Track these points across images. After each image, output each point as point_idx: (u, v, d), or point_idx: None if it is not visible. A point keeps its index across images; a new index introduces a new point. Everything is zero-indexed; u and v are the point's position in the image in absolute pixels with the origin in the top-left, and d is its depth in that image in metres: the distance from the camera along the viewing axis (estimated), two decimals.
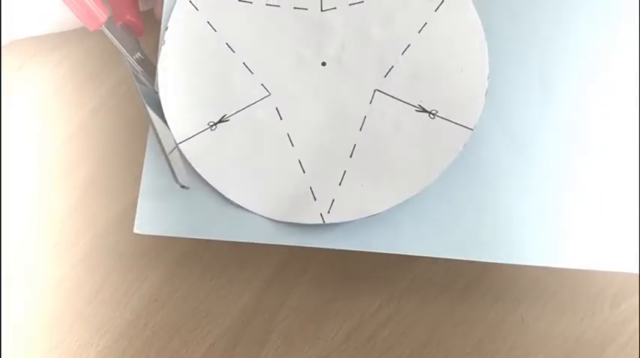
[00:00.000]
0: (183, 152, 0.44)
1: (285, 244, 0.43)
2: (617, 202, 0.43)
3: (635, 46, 0.44)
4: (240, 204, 0.43)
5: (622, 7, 0.44)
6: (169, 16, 0.45)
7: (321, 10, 0.44)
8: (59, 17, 0.49)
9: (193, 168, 0.44)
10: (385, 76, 0.43)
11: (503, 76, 0.44)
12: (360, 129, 0.43)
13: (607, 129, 0.43)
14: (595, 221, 0.43)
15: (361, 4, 0.44)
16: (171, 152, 0.43)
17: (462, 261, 0.43)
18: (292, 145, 0.43)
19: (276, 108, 0.44)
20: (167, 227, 0.44)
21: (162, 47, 0.45)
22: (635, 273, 0.43)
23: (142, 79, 0.46)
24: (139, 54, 0.47)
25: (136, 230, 0.44)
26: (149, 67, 0.46)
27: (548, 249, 0.43)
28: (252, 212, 0.43)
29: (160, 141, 0.43)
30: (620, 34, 0.44)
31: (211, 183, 0.44)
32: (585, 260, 0.42)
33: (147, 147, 0.45)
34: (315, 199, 0.43)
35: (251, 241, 0.44)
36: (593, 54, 0.44)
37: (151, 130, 0.44)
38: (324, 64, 0.44)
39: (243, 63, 0.44)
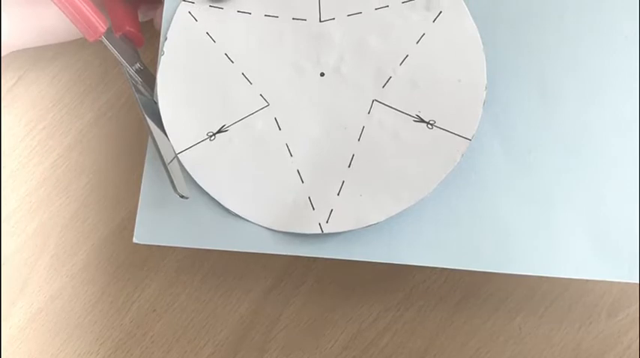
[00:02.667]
0: (183, 162, 0.44)
1: (284, 254, 0.43)
2: (617, 212, 0.43)
3: (636, 58, 0.44)
4: (239, 214, 0.43)
5: (623, 18, 0.44)
6: (168, 26, 0.45)
7: (320, 21, 0.44)
8: (58, 28, 0.50)
9: (192, 178, 0.44)
10: (383, 87, 0.43)
11: (501, 87, 0.44)
12: (359, 140, 0.43)
13: (606, 139, 0.43)
14: (594, 230, 0.43)
15: (359, 15, 0.44)
16: (170, 162, 0.43)
17: (460, 270, 0.43)
18: (291, 155, 0.44)
19: (275, 119, 0.44)
20: (166, 237, 0.44)
21: (162, 58, 0.45)
22: (635, 283, 0.42)
23: (142, 89, 0.46)
24: (138, 64, 0.47)
25: (135, 240, 0.44)
26: (148, 78, 0.46)
27: (546, 259, 0.42)
28: (251, 222, 0.43)
29: (159, 152, 0.43)
30: (620, 45, 0.44)
31: (210, 193, 0.44)
32: (584, 270, 0.42)
33: (146, 157, 0.45)
34: (314, 209, 0.43)
35: (249, 251, 0.43)
36: (593, 65, 0.44)
37: (150, 140, 0.44)
38: (322, 74, 0.44)
39: (242, 73, 0.44)
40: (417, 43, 0.43)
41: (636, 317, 0.50)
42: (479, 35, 0.43)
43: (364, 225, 0.42)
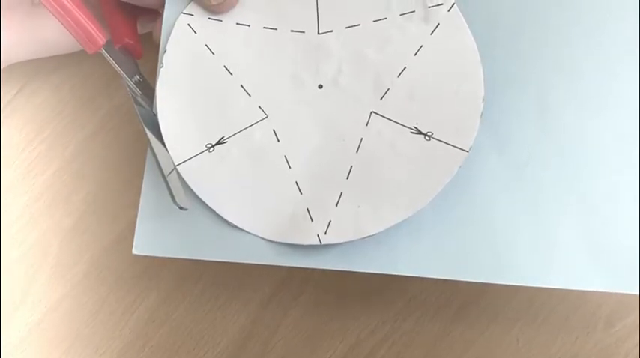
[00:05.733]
0: (182, 174, 0.44)
1: (283, 265, 0.44)
2: (615, 222, 0.43)
3: (635, 69, 0.44)
4: (238, 225, 0.44)
5: (622, 30, 0.44)
6: (168, 38, 0.45)
7: (318, 33, 0.45)
8: (58, 40, 0.50)
9: (191, 190, 0.44)
10: (381, 99, 0.44)
11: (499, 98, 0.44)
12: (357, 151, 0.43)
13: (604, 150, 0.43)
14: (592, 241, 0.43)
15: (357, 27, 0.44)
16: (169, 174, 0.43)
17: (457, 281, 0.43)
18: (289, 167, 0.44)
19: (274, 131, 0.44)
20: (165, 248, 0.44)
21: (161, 70, 0.45)
22: (635, 294, 0.42)
23: (141, 101, 0.46)
24: (137, 76, 0.47)
25: (134, 251, 0.44)
26: (148, 90, 0.47)
27: (544, 270, 0.43)
28: (250, 233, 0.44)
29: (158, 163, 0.43)
30: (619, 57, 0.44)
31: (209, 205, 0.44)
32: (582, 280, 0.42)
33: (145, 168, 0.45)
34: (312, 220, 0.43)
35: (248, 262, 0.44)
36: (591, 76, 0.44)
37: (149, 152, 0.44)
38: (320, 86, 0.44)
39: (241, 85, 0.45)
40: (415, 55, 0.44)
41: (634, 328, 0.50)
42: (476, 47, 0.43)
43: (362, 236, 0.42)
